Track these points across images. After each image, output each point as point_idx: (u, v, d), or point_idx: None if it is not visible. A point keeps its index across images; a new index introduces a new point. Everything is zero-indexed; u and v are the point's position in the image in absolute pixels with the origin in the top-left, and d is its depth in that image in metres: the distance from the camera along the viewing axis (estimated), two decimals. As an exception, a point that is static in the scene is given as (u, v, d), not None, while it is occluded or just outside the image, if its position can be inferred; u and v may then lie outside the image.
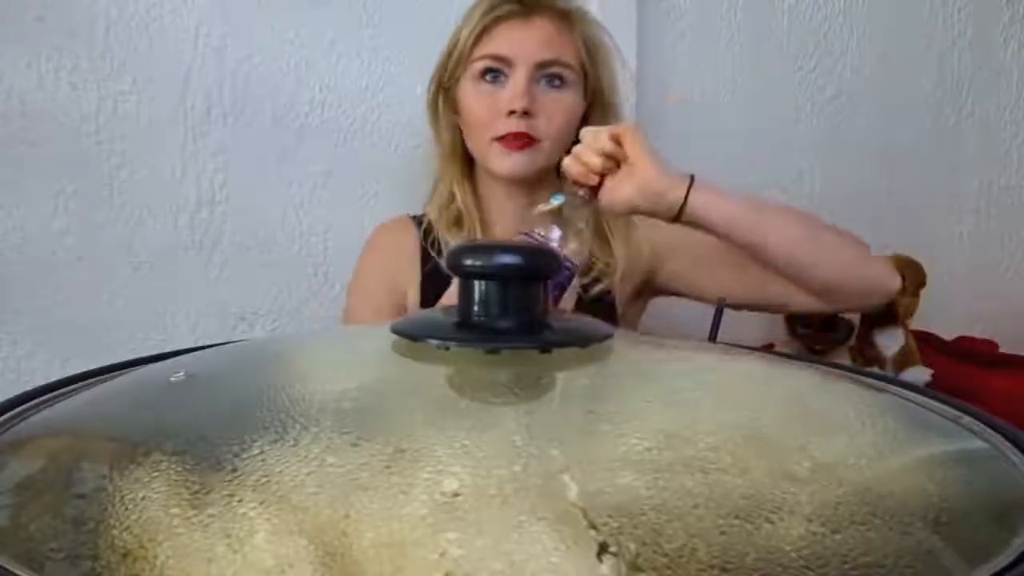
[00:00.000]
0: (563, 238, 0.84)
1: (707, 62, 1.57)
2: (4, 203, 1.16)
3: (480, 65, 1.04)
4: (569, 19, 1.06)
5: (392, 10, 1.33)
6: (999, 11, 1.80)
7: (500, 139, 1.03)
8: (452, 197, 1.10)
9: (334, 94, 1.30)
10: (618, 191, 0.90)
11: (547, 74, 1.03)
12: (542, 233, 0.84)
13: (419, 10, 1.32)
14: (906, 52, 1.73)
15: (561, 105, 1.04)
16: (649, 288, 1.14)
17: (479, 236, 1.09)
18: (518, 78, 1.02)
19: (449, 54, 1.07)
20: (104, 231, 1.21)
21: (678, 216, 0.91)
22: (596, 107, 1.09)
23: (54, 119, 1.17)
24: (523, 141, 1.02)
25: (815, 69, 1.66)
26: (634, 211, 0.92)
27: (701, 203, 0.90)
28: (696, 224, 0.92)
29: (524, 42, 1.02)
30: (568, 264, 0.83)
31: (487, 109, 1.04)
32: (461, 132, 1.10)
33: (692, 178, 0.91)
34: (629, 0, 1.41)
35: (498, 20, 1.03)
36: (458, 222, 1.10)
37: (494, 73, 1.04)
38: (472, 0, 1.08)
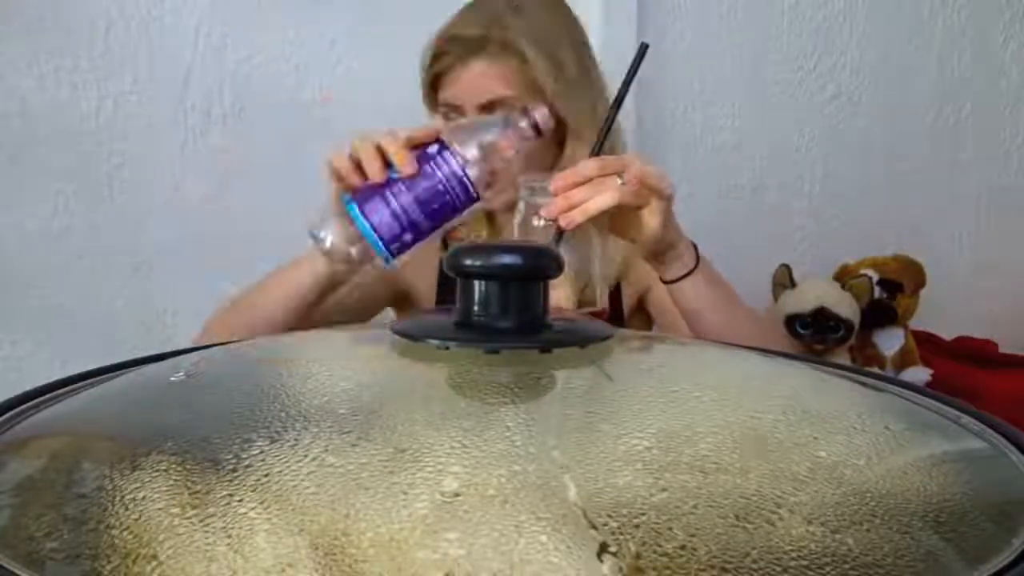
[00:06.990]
0: (480, 160, 0.78)
1: (707, 62, 1.58)
2: (4, 203, 1.16)
3: (441, 110, 1.04)
4: (501, 46, 1.00)
5: (392, 9, 1.33)
6: (999, 11, 1.80)
7: None
8: None
9: (334, 94, 1.30)
10: (649, 221, 0.82)
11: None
12: (457, 147, 0.78)
13: (419, 9, 1.32)
14: (906, 52, 1.73)
15: None
16: (644, 305, 1.15)
17: (484, 229, 1.10)
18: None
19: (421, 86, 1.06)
20: (104, 231, 1.21)
21: (663, 275, 0.89)
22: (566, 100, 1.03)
23: (54, 119, 1.17)
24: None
25: (815, 69, 1.66)
26: (647, 243, 0.84)
27: (690, 284, 0.89)
28: (670, 283, 0.90)
29: (465, 89, 1.00)
30: (471, 187, 0.78)
31: None
32: None
33: (698, 260, 0.88)
34: (629, 0, 1.41)
35: (440, 72, 1.01)
36: None
37: (453, 117, 1.02)
38: None
